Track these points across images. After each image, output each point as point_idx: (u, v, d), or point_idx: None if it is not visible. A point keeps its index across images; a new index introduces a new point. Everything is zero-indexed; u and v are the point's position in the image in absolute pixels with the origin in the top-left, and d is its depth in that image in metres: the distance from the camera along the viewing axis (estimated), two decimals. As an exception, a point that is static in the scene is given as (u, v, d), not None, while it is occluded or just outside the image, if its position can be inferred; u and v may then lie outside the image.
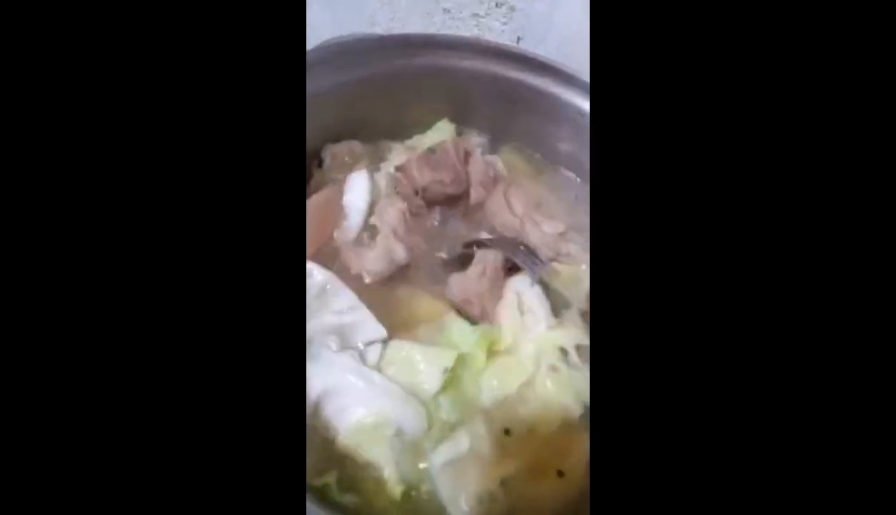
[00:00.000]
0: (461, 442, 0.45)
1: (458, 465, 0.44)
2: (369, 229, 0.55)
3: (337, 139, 0.62)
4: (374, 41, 0.63)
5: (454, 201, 0.60)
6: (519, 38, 0.72)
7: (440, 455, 0.44)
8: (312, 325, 0.47)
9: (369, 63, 0.60)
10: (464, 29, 0.76)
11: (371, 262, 0.52)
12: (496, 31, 0.74)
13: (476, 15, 0.74)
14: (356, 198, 0.56)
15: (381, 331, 0.49)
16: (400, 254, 0.52)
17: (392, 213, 0.53)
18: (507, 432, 0.46)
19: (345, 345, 0.48)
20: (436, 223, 0.58)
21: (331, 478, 0.43)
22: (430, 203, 0.57)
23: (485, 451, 0.45)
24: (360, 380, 0.46)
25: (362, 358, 0.48)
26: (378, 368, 0.47)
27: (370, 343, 0.48)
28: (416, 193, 0.56)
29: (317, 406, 0.45)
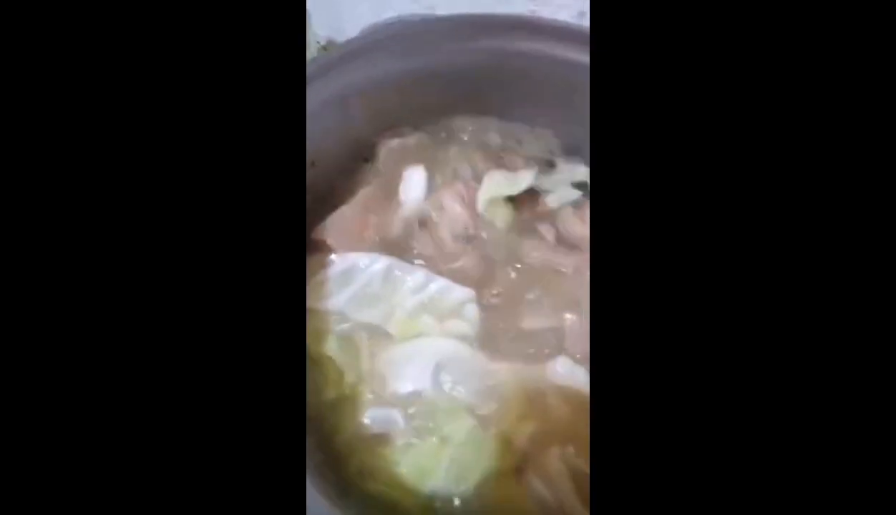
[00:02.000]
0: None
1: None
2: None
3: (387, 129, 0.59)
4: (419, 25, 0.59)
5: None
6: (581, 14, 0.66)
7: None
8: (397, 313, 0.48)
9: (417, 49, 0.56)
10: (518, 3, 0.70)
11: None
12: (554, 6, 0.68)
13: (531, -12, 0.68)
14: (413, 189, 0.54)
15: (469, 292, 0.49)
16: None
17: (450, 196, 0.52)
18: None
19: (440, 318, 0.48)
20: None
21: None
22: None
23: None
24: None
25: (463, 320, 0.48)
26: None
27: (463, 305, 0.49)
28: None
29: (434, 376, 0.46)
